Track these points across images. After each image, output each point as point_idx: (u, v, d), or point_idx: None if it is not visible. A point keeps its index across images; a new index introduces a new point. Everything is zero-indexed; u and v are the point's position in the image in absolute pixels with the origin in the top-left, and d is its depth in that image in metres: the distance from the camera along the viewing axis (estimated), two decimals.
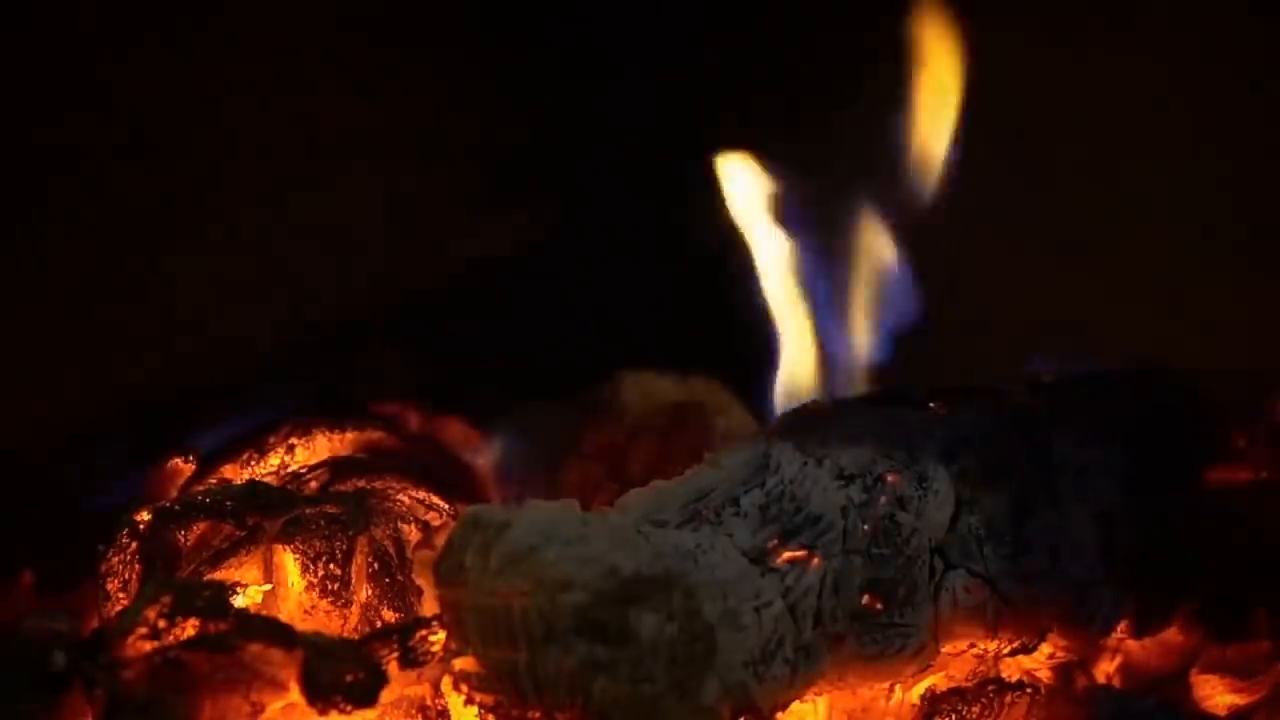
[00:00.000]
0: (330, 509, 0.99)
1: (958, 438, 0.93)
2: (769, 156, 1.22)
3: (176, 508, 1.00)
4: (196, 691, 0.85)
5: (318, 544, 0.98)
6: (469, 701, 0.86)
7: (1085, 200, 1.45)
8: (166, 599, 0.87)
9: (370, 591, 0.98)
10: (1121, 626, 0.96)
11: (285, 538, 0.97)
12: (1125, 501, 0.96)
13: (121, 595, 0.98)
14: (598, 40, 1.58)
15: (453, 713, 0.91)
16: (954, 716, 0.96)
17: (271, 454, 1.06)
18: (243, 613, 0.89)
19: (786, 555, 0.86)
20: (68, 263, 1.35)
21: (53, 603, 1.12)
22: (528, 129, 1.56)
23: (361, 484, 1.03)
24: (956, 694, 0.96)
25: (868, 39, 1.30)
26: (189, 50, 1.39)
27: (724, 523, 0.86)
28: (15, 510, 1.28)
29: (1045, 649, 0.95)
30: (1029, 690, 0.97)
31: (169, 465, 1.06)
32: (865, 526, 0.88)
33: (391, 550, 1.00)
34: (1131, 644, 1.04)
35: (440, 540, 0.88)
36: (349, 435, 1.07)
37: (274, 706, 0.86)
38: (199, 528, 0.98)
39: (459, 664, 0.86)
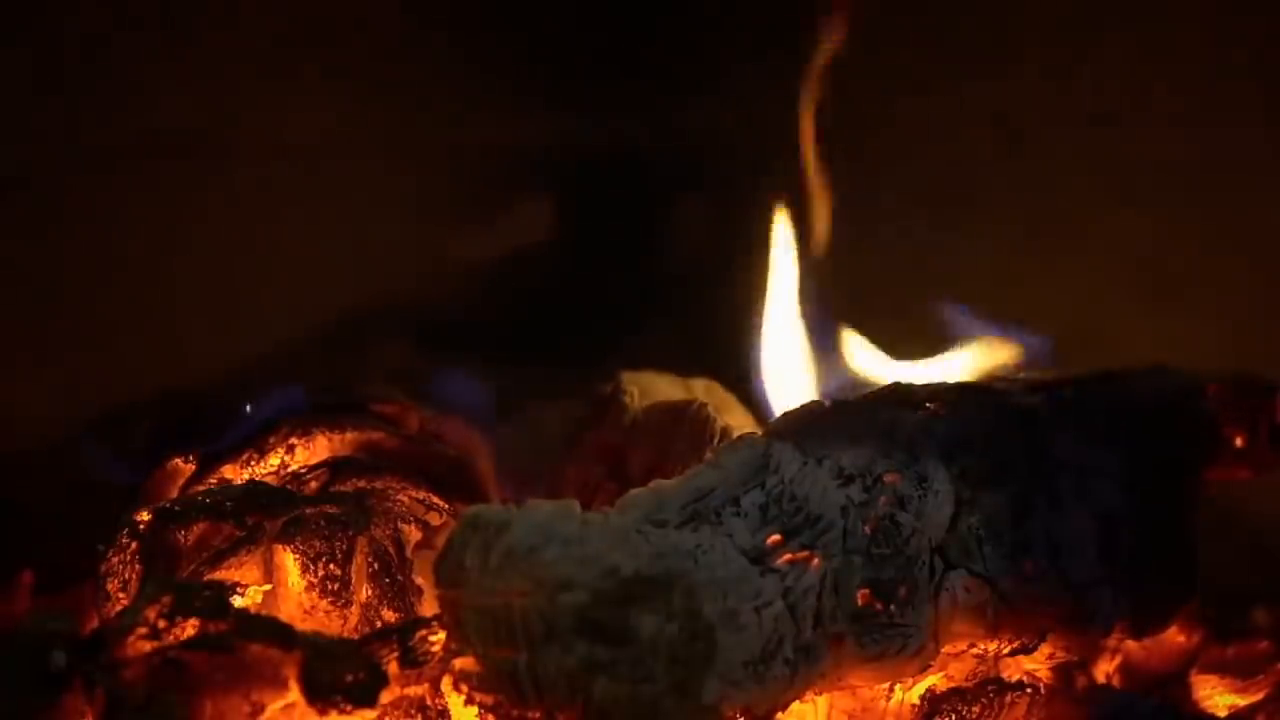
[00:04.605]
0: (330, 509, 0.99)
1: (958, 438, 0.93)
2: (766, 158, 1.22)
3: (176, 508, 1.00)
4: (196, 691, 0.85)
5: (318, 544, 0.98)
6: (469, 701, 0.86)
7: (1084, 197, 1.45)
8: (166, 599, 0.87)
9: (370, 591, 0.98)
10: (1121, 626, 0.96)
11: (285, 538, 0.97)
12: (1125, 502, 0.96)
13: (121, 595, 0.98)
14: (598, 40, 1.58)
15: (453, 713, 0.91)
16: (954, 716, 0.96)
17: (271, 454, 1.06)
18: (243, 613, 0.89)
19: (786, 555, 0.86)
20: (68, 263, 1.35)
21: (53, 603, 1.12)
22: (528, 129, 1.56)
23: (361, 484, 1.03)
24: (956, 694, 0.96)
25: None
26: (191, 50, 1.39)
27: (724, 523, 0.86)
28: (15, 510, 1.28)
29: (1045, 649, 0.95)
30: (1029, 690, 0.97)
31: (169, 465, 1.06)
32: (865, 526, 0.88)
33: (391, 550, 1.00)
34: (1131, 644, 1.04)
35: (440, 540, 0.89)
36: (349, 435, 1.07)
37: (274, 706, 0.86)
38: (199, 528, 0.98)
39: (459, 664, 0.86)
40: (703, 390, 1.18)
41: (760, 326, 1.14)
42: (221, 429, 1.07)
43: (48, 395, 1.33)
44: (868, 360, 1.13)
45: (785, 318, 1.14)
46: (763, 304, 1.15)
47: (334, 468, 1.05)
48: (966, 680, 0.97)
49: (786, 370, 1.12)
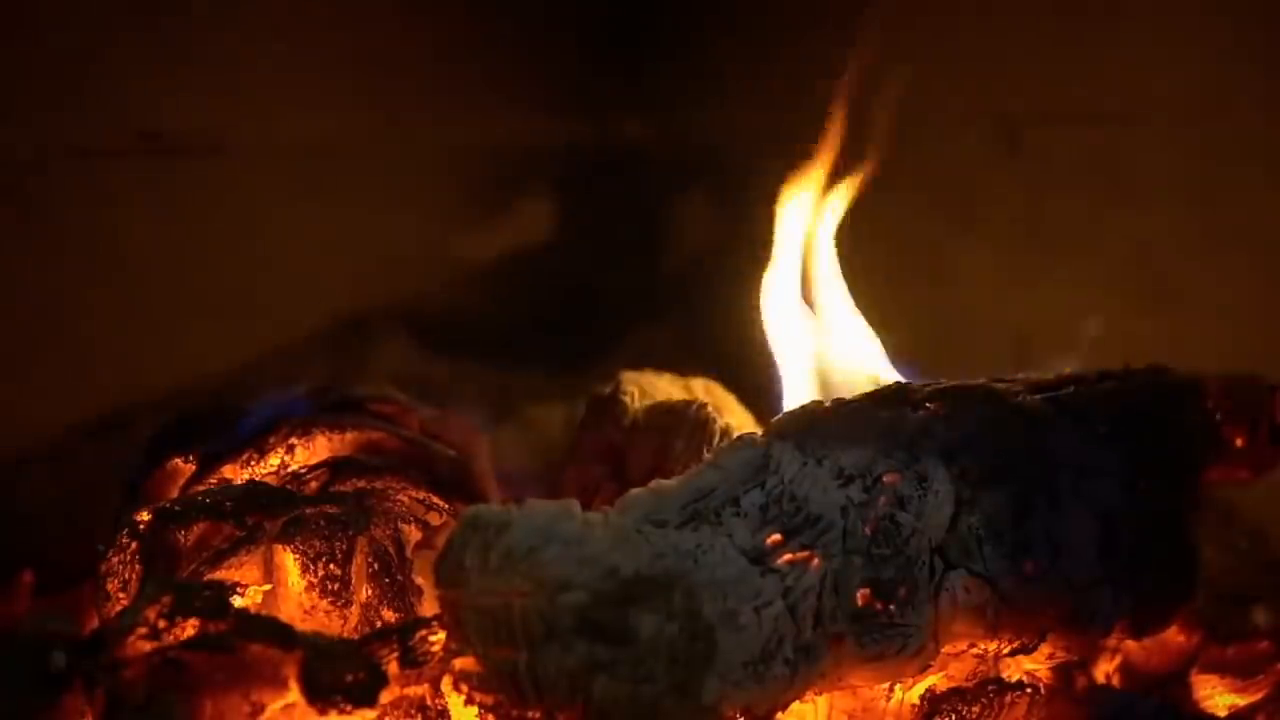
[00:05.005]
0: (330, 509, 0.99)
1: (958, 438, 0.93)
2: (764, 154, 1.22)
3: (176, 508, 1.00)
4: (196, 691, 0.85)
5: (318, 544, 0.98)
6: (469, 701, 0.86)
7: (1084, 197, 1.45)
8: (166, 599, 0.87)
9: (370, 591, 0.98)
10: (1121, 626, 0.96)
11: (285, 538, 0.97)
12: (1125, 501, 0.95)
13: (121, 595, 0.98)
14: (599, 41, 1.58)
15: (453, 713, 0.91)
16: (954, 716, 0.96)
17: (271, 454, 1.05)
18: (243, 613, 0.89)
19: (786, 555, 0.86)
20: (67, 264, 1.35)
21: (53, 603, 1.12)
22: (528, 129, 1.57)
23: (361, 484, 1.03)
24: (956, 694, 0.96)
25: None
26: (190, 50, 1.39)
27: (724, 523, 0.86)
28: (15, 510, 1.28)
29: (1045, 649, 0.95)
30: (1029, 690, 0.97)
31: (169, 465, 1.06)
32: (865, 527, 0.88)
33: (391, 550, 1.00)
34: (1131, 644, 1.04)
35: (440, 540, 0.88)
36: (349, 435, 1.07)
37: (274, 706, 0.86)
38: (199, 528, 0.98)
39: (459, 664, 0.86)
40: (703, 390, 1.17)
41: (765, 326, 1.14)
42: (221, 429, 1.07)
43: (48, 395, 1.33)
44: (871, 356, 1.13)
45: (790, 315, 1.14)
46: (766, 303, 1.15)
47: (334, 468, 1.05)
48: (966, 680, 0.97)
49: (793, 366, 1.12)
